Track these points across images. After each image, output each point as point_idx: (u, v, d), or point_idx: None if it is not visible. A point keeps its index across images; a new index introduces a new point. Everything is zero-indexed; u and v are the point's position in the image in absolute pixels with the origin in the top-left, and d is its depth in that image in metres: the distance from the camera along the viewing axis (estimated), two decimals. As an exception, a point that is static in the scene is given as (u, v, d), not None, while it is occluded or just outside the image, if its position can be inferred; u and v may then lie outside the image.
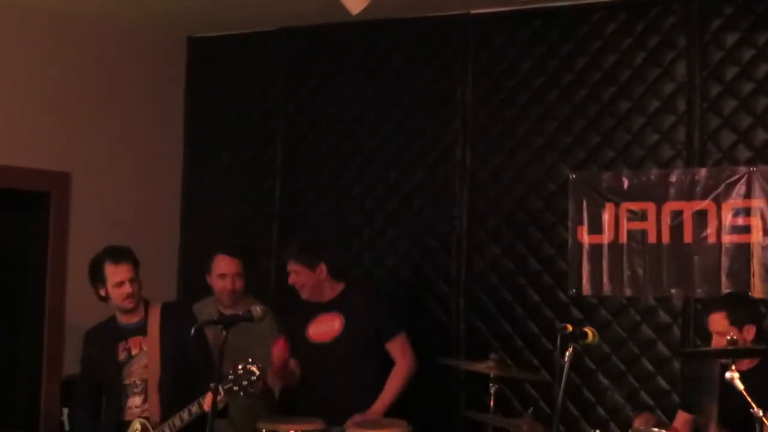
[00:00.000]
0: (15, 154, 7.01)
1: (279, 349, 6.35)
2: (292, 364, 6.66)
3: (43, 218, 7.26)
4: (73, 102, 7.40)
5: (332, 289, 6.63)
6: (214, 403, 5.43)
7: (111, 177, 7.58)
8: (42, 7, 7.10)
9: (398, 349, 6.54)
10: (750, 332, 5.59)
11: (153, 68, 7.90)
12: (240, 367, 5.60)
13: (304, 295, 6.53)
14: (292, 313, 6.70)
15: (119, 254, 6.10)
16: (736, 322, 5.56)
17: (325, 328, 6.58)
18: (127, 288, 6.05)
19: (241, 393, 5.61)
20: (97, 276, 6.12)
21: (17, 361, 7.29)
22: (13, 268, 7.30)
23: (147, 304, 6.18)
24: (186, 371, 6.04)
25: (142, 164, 7.79)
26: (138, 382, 6.09)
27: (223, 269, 6.73)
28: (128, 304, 6.09)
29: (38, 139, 7.17)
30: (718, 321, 5.64)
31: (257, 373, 5.58)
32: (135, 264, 6.12)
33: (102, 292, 6.11)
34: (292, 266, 6.60)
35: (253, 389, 5.62)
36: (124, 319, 6.16)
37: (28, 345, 7.26)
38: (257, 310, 5.65)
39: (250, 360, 5.60)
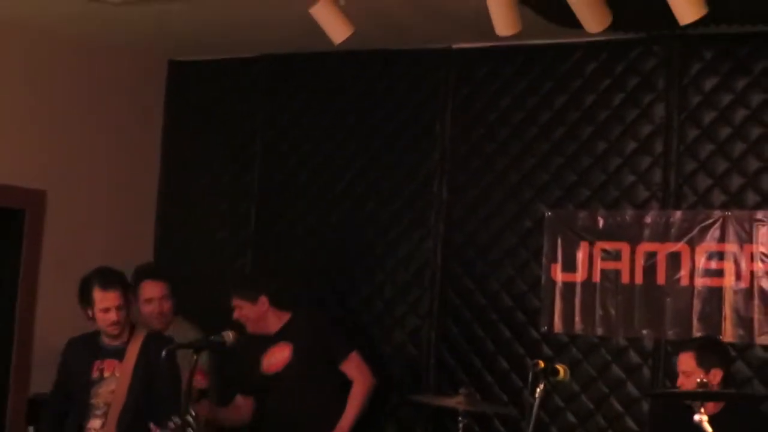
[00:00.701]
0: (-11, 170, 6.98)
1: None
2: (240, 401, 6.72)
3: (16, 236, 7.20)
4: (51, 119, 7.36)
5: (278, 320, 6.67)
6: None
7: (87, 196, 7.54)
8: (22, 23, 7.06)
9: (353, 368, 6.58)
10: (716, 376, 5.62)
11: (133, 89, 7.88)
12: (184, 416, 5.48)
13: (249, 328, 6.48)
14: (248, 350, 6.67)
15: (108, 280, 6.04)
16: (704, 364, 5.59)
17: (276, 358, 6.64)
18: (113, 315, 6.01)
19: None
20: (85, 297, 6.07)
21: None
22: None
23: (133, 329, 6.14)
24: (153, 400, 5.99)
25: (119, 184, 7.75)
26: (102, 405, 6.04)
27: (149, 294, 6.70)
28: (112, 331, 6.06)
29: (14, 155, 7.11)
30: (686, 361, 5.69)
31: (195, 427, 5.47)
32: (124, 290, 6.08)
33: (89, 313, 6.07)
34: (235, 301, 6.65)
35: None
36: (106, 339, 6.12)
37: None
38: (229, 335, 5.64)
39: (192, 413, 5.49)
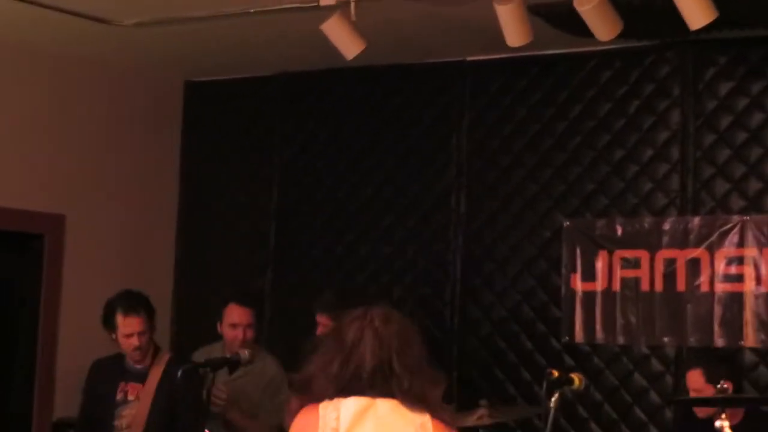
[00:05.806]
0: (9, 196, 7.00)
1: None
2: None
3: (36, 260, 7.24)
4: (69, 143, 7.40)
5: None
6: None
7: (106, 220, 7.57)
8: (39, 47, 7.12)
9: None
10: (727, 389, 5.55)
11: (150, 111, 7.92)
12: None
13: None
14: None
15: (131, 304, 6.02)
16: (713, 380, 5.49)
17: None
18: (135, 341, 6.00)
19: None
20: (108, 322, 6.08)
21: (8, 403, 7.25)
22: (4, 311, 7.27)
23: (157, 352, 6.14)
24: (176, 424, 6.00)
25: (138, 207, 7.78)
26: (125, 426, 6.05)
27: (235, 319, 6.54)
28: (135, 356, 6.07)
29: (33, 180, 7.17)
30: (694, 378, 5.64)
31: None
32: (148, 315, 6.05)
33: (113, 337, 6.08)
34: (324, 319, 6.45)
35: None
36: (131, 360, 6.13)
37: (19, 387, 7.22)
38: (245, 353, 5.64)
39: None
